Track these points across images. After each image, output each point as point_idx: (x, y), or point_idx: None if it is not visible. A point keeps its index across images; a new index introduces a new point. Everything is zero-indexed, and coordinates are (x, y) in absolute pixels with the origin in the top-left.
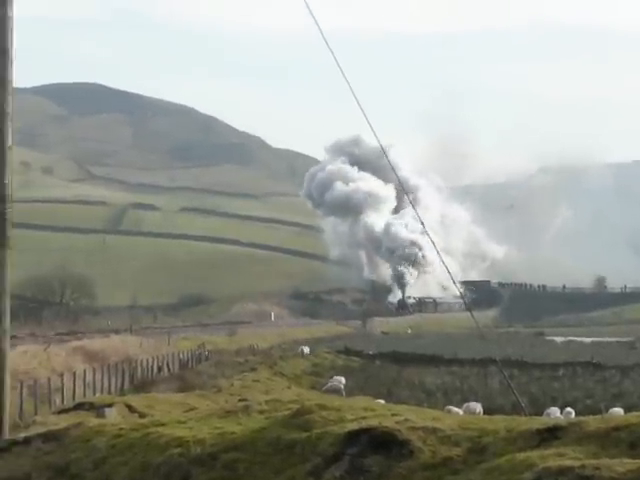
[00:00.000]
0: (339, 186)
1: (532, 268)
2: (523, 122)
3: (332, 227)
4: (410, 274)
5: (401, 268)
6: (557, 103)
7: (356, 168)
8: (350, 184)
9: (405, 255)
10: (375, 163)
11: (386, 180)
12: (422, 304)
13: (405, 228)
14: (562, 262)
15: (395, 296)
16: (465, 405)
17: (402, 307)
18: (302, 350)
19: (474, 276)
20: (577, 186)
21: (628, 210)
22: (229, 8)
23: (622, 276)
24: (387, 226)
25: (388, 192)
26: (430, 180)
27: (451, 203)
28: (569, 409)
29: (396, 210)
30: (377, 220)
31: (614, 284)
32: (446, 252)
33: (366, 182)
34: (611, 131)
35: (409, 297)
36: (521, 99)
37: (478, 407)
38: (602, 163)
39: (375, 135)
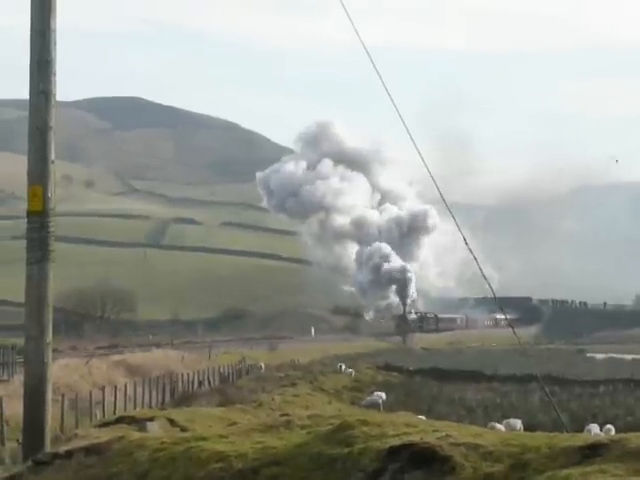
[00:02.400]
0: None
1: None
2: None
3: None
4: (412, 287)
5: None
6: (597, 120)
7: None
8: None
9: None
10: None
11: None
12: (424, 320)
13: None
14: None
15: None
16: (505, 421)
17: (403, 323)
18: (341, 367)
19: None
20: (593, 202)
21: None
22: (275, 24)
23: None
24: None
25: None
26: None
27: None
28: (609, 426)
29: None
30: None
31: None
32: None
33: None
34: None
35: (410, 312)
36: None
37: (518, 424)
38: (619, 181)
39: (425, 164)
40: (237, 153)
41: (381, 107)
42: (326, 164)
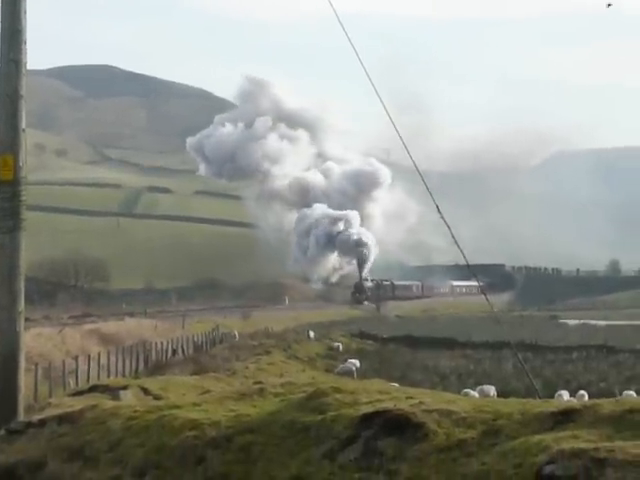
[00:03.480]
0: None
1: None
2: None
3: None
4: (369, 251)
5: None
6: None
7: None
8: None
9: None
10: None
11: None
12: (380, 287)
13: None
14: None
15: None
16: (479, 388)
17: (359, 291)
18: (308, 333)
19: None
20: (555, 169)
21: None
22: None
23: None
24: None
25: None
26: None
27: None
28: (582, 392)
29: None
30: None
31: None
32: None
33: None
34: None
35: (366, 279)
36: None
37: (492, 390)
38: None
39: (405, 148)
40: (210, 121)
41: (345, 74)
42: (263, 123)
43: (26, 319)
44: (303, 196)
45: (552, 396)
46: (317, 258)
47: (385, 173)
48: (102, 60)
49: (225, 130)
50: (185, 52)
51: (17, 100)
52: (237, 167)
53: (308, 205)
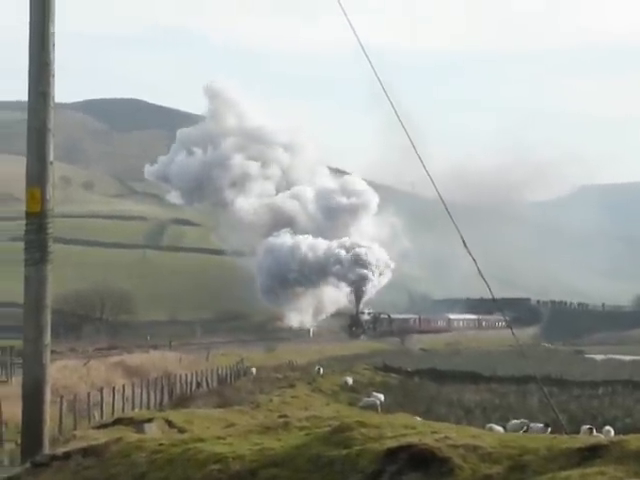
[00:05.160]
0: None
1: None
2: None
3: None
4: (371, 280)
5: (365, 271)
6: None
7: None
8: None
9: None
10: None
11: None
12: (377, 320)
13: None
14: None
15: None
16: (606, 429)
17: (356, 325)
18: (318, 369)
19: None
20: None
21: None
22: (273, 27)
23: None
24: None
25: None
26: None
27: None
28: (608, 427)
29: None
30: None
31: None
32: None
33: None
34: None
35: (362, 312)
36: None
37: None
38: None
39: (427, 173)
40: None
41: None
42: (230, 145)
43: (52, 351)
44: (277, 221)
45: (578, 432)
46: (305, 289)
47: (372, 198)
48: (128, 94)
49: (185, 156)
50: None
51: (45, 133)
52: (205, 194)
53: (277, 230)
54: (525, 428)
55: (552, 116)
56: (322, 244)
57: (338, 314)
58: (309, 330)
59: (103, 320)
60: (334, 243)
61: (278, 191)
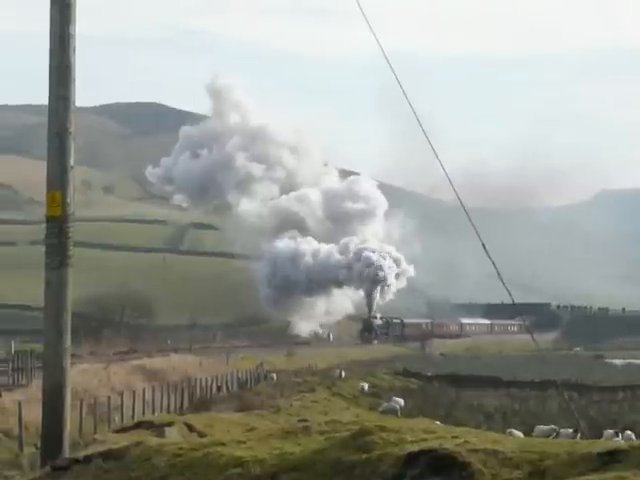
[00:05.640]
0: None
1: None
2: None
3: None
4: (381, 286)
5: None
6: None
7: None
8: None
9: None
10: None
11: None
12: (389, 325)
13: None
14: None
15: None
16: (627, 434)
17: (368, 330)
18: (340, 373)
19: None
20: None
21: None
22: (293, 29)
23: None
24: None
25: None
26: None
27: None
28: (629, 432)
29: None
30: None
31: None
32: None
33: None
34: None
35: (375, 317)
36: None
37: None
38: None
39: (445, 172)
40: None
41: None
42: (233, 145)
43: (72, 355)
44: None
45: (598, 436)
46: (312, 297)
47: (381, 200)
48: (149, 97)
49: (189, 157)
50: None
51: (66, 137)
52: (208, 196)
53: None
54: (554, 435)
55: (571, 121)
56: (329, 248)
57: (352, 318)
58: (329, 334)
59: (123, 324)
60: (342, 246)
61: (283, 193)
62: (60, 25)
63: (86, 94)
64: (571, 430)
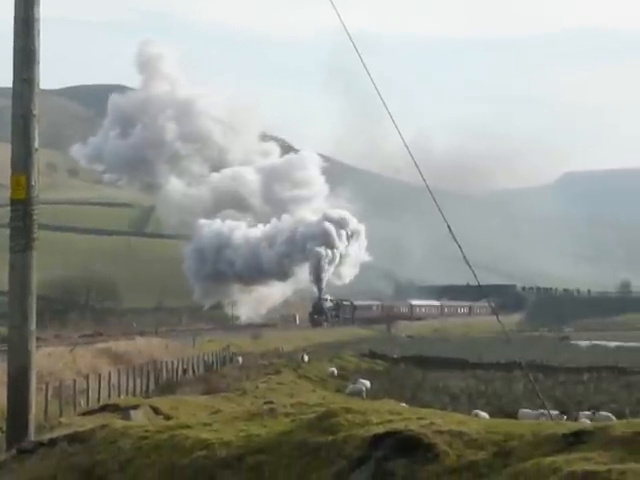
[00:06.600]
0: None
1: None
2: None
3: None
4: (328, 265)
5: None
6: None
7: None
8: None
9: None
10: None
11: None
12: (340, 307)
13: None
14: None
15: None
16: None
17: (318, 312)
18: (302, 357)
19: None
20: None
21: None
22: (261, 12)
23: None
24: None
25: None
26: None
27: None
28: (606, 413)
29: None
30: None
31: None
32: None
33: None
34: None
35: (326, 299)
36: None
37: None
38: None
39: (406, 145)
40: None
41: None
42: (163, 118)
43: (37, 338)
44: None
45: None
46: (247, 283)
47: (321, 180)
48: (114, 80)
49: (117, 135)
50: (194, 71)
51: (30, 120)
52: (138, 173)
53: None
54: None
55: (535, 104)
56: (265, 228)
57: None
58: (295, 317)
59: (88, 307)
60: (279, 225)
61: (215, 170)
62: (24, 8)
63: (51, 76)
64: (557, 412)
